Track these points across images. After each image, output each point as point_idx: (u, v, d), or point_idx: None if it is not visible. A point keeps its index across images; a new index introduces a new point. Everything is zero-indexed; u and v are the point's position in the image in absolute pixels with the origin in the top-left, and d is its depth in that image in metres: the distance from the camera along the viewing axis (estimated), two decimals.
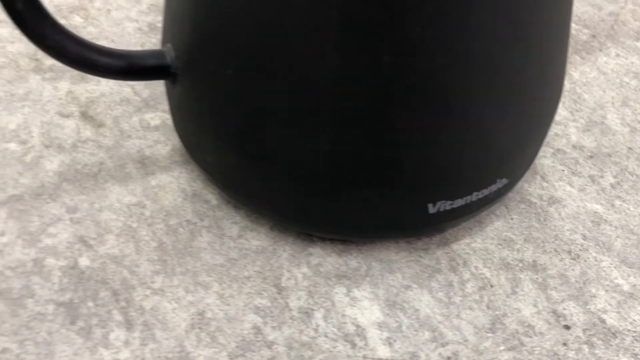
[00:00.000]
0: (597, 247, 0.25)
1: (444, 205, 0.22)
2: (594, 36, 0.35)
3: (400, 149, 0.20)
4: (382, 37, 0.18)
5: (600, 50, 0.34)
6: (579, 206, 0.27)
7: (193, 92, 0.22)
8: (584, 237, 0.26)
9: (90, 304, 0.22)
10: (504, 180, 0.23)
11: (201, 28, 0.21)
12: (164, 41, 0.24)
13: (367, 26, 0.18)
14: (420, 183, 0.21)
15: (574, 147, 0.29)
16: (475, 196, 0.22)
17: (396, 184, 0.21)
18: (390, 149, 0.20)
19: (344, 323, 0.23)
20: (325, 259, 0.24)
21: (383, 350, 0.22)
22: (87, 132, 0.28)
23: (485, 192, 0.23)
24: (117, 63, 0.22)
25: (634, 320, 0.23)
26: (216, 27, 0.21)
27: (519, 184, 0.26)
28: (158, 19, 0.34)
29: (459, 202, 0.22)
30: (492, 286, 0.24)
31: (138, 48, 0.32)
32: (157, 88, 0.30)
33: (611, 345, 0.22)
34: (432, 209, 0.22)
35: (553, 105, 0.25)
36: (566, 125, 0.30)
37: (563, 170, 0.28)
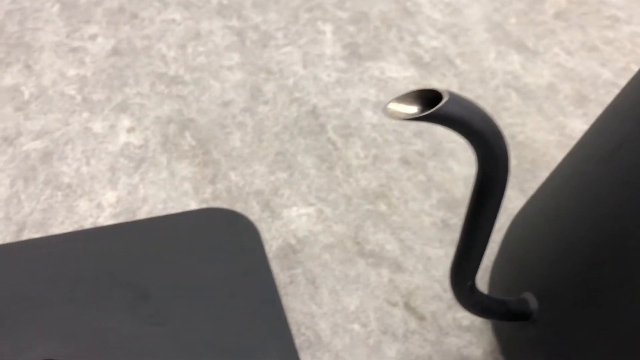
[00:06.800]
0: None
1: None
2: None
3: None
4: None
5: None
6: None
7: (554, 337, 0.28)
8: None
9: None
10: None
11: (574, 287, 0.27)
12: (518, 289, 0.30)
13: None
14: None
15: None
16: None
17: None
18: None
19: None
20: None
21: None
22: (412, 324, 0.34)
23: None
24: (501, 309, 0.28)
25: None
26: (594, 290, 0.26)
27: None
28: (448, 216, 0.40)
29: None
30: None
31: (437, 243, 0.38)
32: None
33: None
34: None
35: None
36: None
37: None
